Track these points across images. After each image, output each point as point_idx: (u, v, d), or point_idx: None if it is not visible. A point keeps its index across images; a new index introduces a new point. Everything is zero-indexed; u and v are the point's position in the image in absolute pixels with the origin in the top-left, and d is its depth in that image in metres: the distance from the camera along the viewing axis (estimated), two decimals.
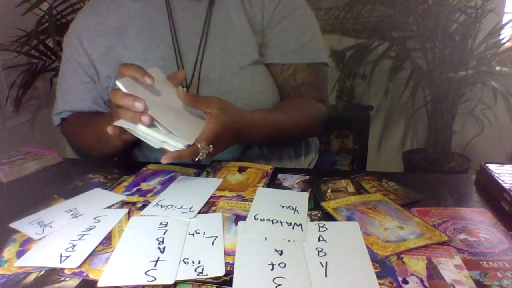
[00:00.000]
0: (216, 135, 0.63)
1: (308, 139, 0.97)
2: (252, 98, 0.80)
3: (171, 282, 0.42)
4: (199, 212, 0.57)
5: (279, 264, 0.44)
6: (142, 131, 0.60)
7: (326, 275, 0.42)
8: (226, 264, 0.45)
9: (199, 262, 0.45)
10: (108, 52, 0.82)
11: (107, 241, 0.51)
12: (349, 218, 0.54)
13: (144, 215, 0.57)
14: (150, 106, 0.59)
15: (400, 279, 0.42)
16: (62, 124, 0.91)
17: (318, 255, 0.46)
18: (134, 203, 0.61)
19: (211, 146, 0.63)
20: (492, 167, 0.65)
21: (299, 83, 0.85)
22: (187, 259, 0.46)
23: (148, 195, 0.63)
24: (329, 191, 0.64)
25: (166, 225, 0.53)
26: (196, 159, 0.63)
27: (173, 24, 0.80)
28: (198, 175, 0.71)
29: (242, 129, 0.69)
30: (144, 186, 0.67)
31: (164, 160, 0.60)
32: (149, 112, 0.58)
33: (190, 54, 0.80)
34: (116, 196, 0.63)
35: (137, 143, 0.76)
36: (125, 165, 0.77)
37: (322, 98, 0.89)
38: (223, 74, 0.80)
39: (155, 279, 0.42)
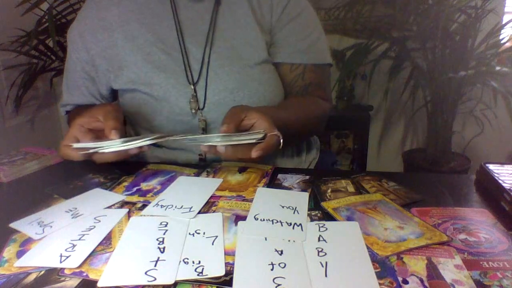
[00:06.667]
0: (272, 121, 0.63)
1: (312, 136, 0.98)
2: (258, 97, 0.80)
3: (171, 282, 0.42)
4: (199, 212, 0.57)
5: (279, 264, 0.44)
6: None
7: (326, 275, 0.42)
8: (226, 264, 0.45)
9: (199, 262, 0.45)
10: (110, 48, 0.82)
11: (107, 241, 0.51)
12: (349, 218, 0.54)
13: (144, 215, 0.57)
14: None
15: (400, 279, 0.42)
16: (68, 115, 0.94)
17: (318, 255, 0.46)
18: (134, 203, 0.61)
19: (279, 131, 0.63)
20: (492, 167, 0.65)
21: (307, 83, 0.86)
22: (187, 259, 0.46)
23: (148, 195, 0.63)
24: (329, 191, 0.64)
25: (166, 225, 0.53)
26: (280, 146, 0.62)
27: (178, 21, 0.80)
28: (198, 175, 0.71)
29: None
30: (144, 186, 0.67)
31: (255, 153, 0.59)
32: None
33: (195, 51, 0.80)
34: (116, 196, 0.63)
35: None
36: (125, 165, 0.77)
37: (327, 97, 0.91)
38: (230, 72, 0.80)
39: (155, 279, 0.42)
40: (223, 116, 0.64)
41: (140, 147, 0.61)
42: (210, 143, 0.60)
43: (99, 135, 0.65)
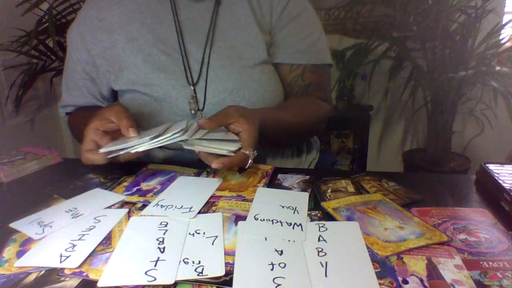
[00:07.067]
0: (255, 139, 0.63)
1: (312, 137, 0.98)
2: (258, 97, 0.80)
3: (171, 282, 0.42)
4: (199, 212, 0.57)
5: (279, 264, 0.44)
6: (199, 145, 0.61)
7: (326, 275, 0.42)
8: (226, 264, 0.45)
9: (199, 262, 0.45)
10: (110, 48, 0.82)
11: (107, 241, 0.51)
12: (349, 218, 0.54)
13: (144, 215, 0.57)
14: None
15: (400, 279, 0.42)
16: (68, 116, 0.94)
17: (318, 255, 0.46)
18: (134, 203, 0.61)
19: (255, 151, 0.63)
20: (492, 167, 0.65)
21: (307, 83, 0.86)
22: (187, 259, 0.46)
23: (148, 195, 0.63)
24: (329, 191, 0.64)
25: (166, 225, 0.53)
26: (247, 166, 0.63)
27: (178, 21, 0.80)
28: (198, 175, 0.71)
29: (260, 127, 0.69)
30: (144, 186, 0.67)
31: (215, 164, 0.59)
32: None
33: (195, 51, 0.80)
34: (116, 196, 0.63)
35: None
36: (125, 165, 0.77)
37: (326, 97, 0.91)
38: (230, 73, 0.80)
39: (155, 279, 0.42)
40: None
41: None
42: (190, 147, 0.61)
43: (114, 136, 0.65)
